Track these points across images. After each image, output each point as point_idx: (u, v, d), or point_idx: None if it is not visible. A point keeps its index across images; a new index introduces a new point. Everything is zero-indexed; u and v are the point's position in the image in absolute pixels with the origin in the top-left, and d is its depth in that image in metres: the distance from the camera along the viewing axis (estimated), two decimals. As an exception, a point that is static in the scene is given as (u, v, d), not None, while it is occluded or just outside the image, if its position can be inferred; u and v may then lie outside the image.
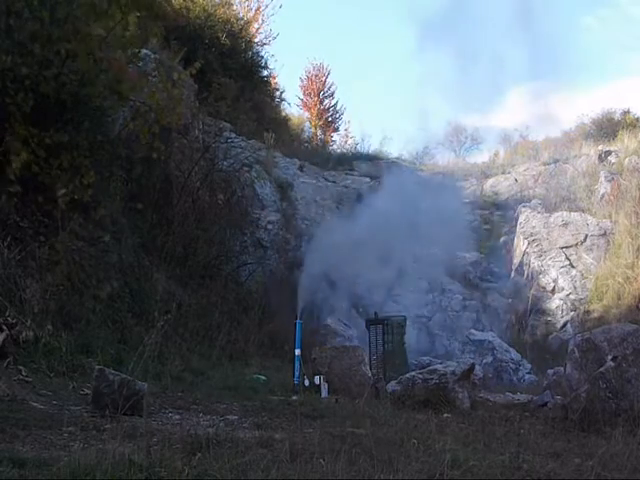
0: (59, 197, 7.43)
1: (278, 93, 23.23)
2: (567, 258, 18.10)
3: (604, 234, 17.95)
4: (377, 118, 53.41)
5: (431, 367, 7.91)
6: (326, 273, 13.54)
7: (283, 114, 23.93)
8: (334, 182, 22.04)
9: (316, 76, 31.01)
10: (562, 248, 18.29)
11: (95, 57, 7.64)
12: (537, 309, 17.44)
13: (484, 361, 11.26)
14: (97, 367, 5.48)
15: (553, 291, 17.76)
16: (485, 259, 19.99)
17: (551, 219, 18.96)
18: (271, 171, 17.68)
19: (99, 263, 8.32)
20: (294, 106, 29.76)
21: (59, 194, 7.42)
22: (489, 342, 11.70)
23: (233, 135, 13.05)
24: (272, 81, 22.60)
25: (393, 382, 7.59)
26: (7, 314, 6.36)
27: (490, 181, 23.14)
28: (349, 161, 24.20)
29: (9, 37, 7.47)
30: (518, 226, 19.52)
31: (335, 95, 31.09)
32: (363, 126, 61.81)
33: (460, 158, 28.27)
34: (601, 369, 6.17)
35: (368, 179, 22.35)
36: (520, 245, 19.10)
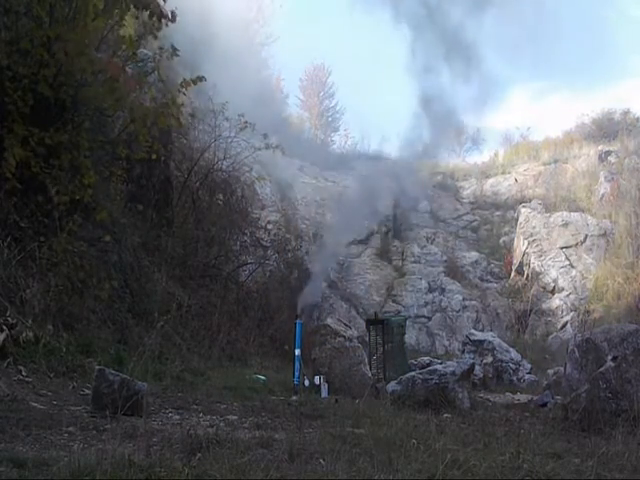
0: (53, 195, 7.43)
1: (282, 97, 23.30)
2: (567, 258, 18.12)
3: (604, 234, 17.97)
4: (377, 117, 53.37)
5: (431, 367, 7.91)
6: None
7: (284, 115, 23.97)
8: (334, 182, 22.06)
9: (316, 76, 31.04)
10: (562, 248, 18.31)
11: (92, 58, 7.63)
12: (537, 309, 17.46)
13: (484, 361, 11.25)
14: (97, 367, 5.47)
15: (553, 291, 17.78)
16: (485, 259, 20.01)
17: (551, 219, 18.98)
18: (271, 171, 17.68)
19: (99, 263, 8.31)
20: (294, 106, 29.79)
21: (52, 193, 7.41)
22: (489, 342, 11.69)
23: (233, 135, 13.02)
24: (278, 84, 22.66)
25: (393, 382, 7.59)
26: (7, 314, 6.35)
27: (490, 181, 23.15)
28: (349, 161, 24.19)
29: (6, 36, 7.47)
30: (518, 226, 19.53)
31: (335, 95, 31.15)
32: (363, 126, 61.81)
33: (460, 158, 28.27)
34: (601, 369, 6.17)
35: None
36: (520, 245, 19.11)
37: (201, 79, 8.88)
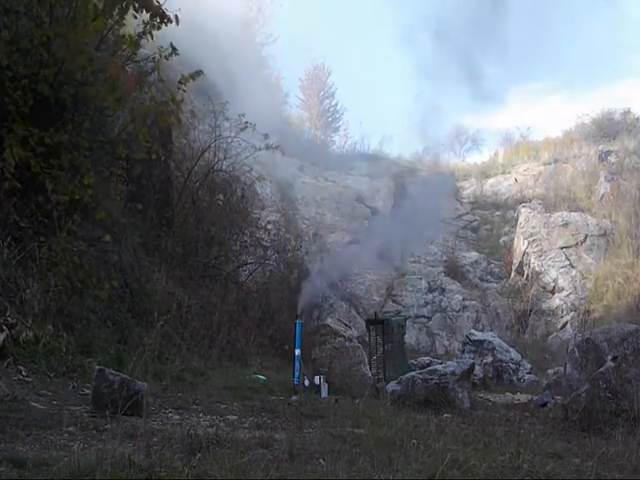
0: (52, 195, 7.43)
1: (282, 96, 23.31)
2: (567, 258, 18.11)
3: (604, 234, 17.97)
4: (377, 117, 53.41)
5: (431, 367, 7.92)
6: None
7: (284, 115, 23.98)
8: (334, 182, 22.08)
9: (316, 76, 31.04)
10: (562, 248, 18.31)
11: (91, 57, 7.62)
12: (537, 309, 17.46)
13: (484, 361, 11.25)
14: (97, 367, 5.48)
15: (553, 291, 17.77)
16: (485, 259, 20.00)
17: (551, 219, 18.97)
18: (271, 171, 17.68)
19: (99, 263, 8.31)
20: (294, 106, 29.80)
21: (51, 192, 7.42)
22: (489, 342, 11.69)
23: (233, 134, 13.01)
24: (277, 83, 22.68)
25: (393, 382, 7.59)
26: (7, 314, 6.35)
27: (490, 181, 23.15)
28: (349, 161, 24.24)
29: (6, 36, 7.46)
30: (518, 226, 19.53)
31: (335, 95, 31.16)
32: (363, 126, 61.84)
33: (460, 158, 28.31)
34: (601, 369, 6.17)
35: (368, 179, 22.39)
36: (520, 245, 19.11)
37: (199, 73, 8.86)
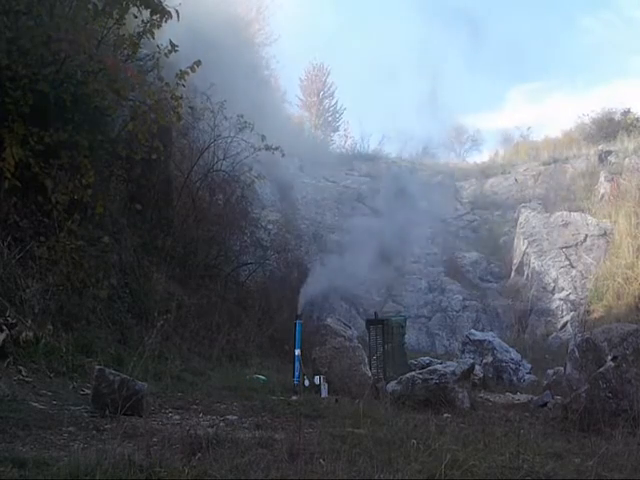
0: (52, 195, 7.42)
1: (282, 96, 23.33)
2: (567, 258, 18.10)
3: (604, 234, 17.96)
4: (377, 117, 53.46)
5: (431, 367, 7.91)
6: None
7: (284, 115, 23.99)
8: (334, 182, 22.08)
9: (316, 76, 31.08)
10: (562, 248, 18.30)
11: (90, 55, 7.62)
12: (537, 309, 17.45)
13: (484, 361, 11.24)
14: (97, 367, 5.47)
15: (553, 291, 17.77)
16: (485, 259, 20.00)
17: (551, 219, 18.97)
18: (271, 171, 17.67)
19: (99, 263, 8.30)
20: (294, 106, 29.84)
21: (51, 192, 7.41)
22: (489, 342, 11.68)
23: (233, 135, 13.00)
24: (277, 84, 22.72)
25: (393, 382, 7.59)
26: (7, 314, 6.35)
27: (490, 181, 23.15)
28: (349, 161, 24.25)
29: (5, 35, 7.46)
30: (518, 226, 19.53)
31: (335, 95, 31.20)
32: (362, 126, 61.78)
33: (460, 158, 28.32)
34: (601, 369, 6.18)
35: (368, 179, 22.40)
36: (520, 245, 19.11)
37: (198, 64, 8.83)
